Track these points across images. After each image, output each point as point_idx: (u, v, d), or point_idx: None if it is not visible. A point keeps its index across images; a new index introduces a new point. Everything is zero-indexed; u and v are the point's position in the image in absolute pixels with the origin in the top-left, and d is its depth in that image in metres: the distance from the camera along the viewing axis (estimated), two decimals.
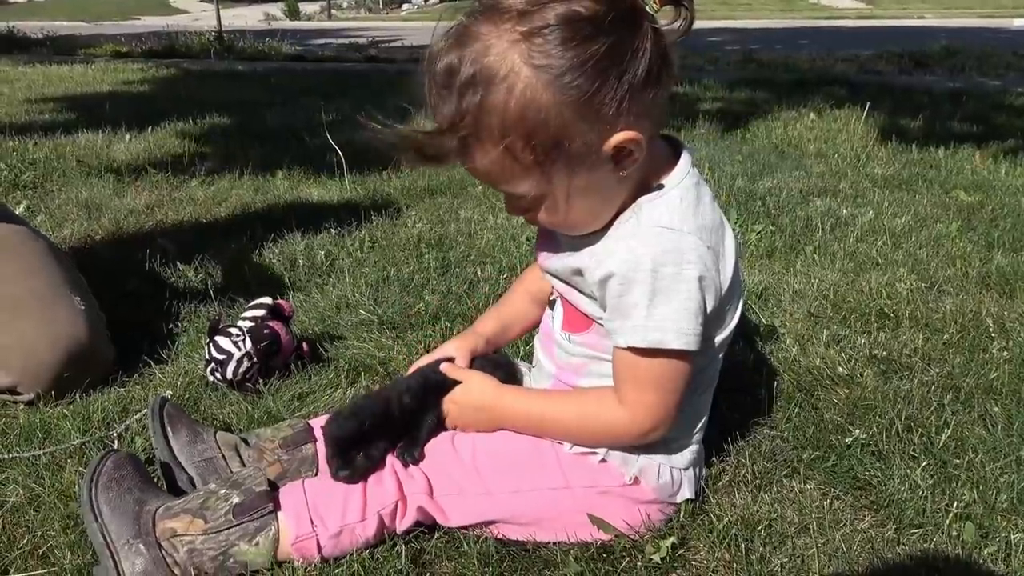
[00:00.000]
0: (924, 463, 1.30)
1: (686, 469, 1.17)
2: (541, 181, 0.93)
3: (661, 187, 1.01)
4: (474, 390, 1.19)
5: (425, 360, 1.30)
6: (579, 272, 1.06)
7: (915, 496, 1.22)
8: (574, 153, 0.91)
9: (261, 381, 1.58)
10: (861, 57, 7.24)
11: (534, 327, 1.36)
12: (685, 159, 1.04)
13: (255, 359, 1.55)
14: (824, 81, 5.62)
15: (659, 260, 0.96)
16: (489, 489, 1.14)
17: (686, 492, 1.17)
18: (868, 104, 4.13)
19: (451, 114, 0.88)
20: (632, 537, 1.14)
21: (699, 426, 1.18)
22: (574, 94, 0.87)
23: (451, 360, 1.26)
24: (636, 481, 1.14)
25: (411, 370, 1.29)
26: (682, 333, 0.99)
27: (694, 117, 4.36)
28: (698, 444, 1.19)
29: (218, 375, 1.55)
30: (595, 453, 1.14)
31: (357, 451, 1.13)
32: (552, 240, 1.13)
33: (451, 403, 1.19)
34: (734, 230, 2.49)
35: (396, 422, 1.17)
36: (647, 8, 0.89)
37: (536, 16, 0.86)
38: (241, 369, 1.54)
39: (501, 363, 1.32)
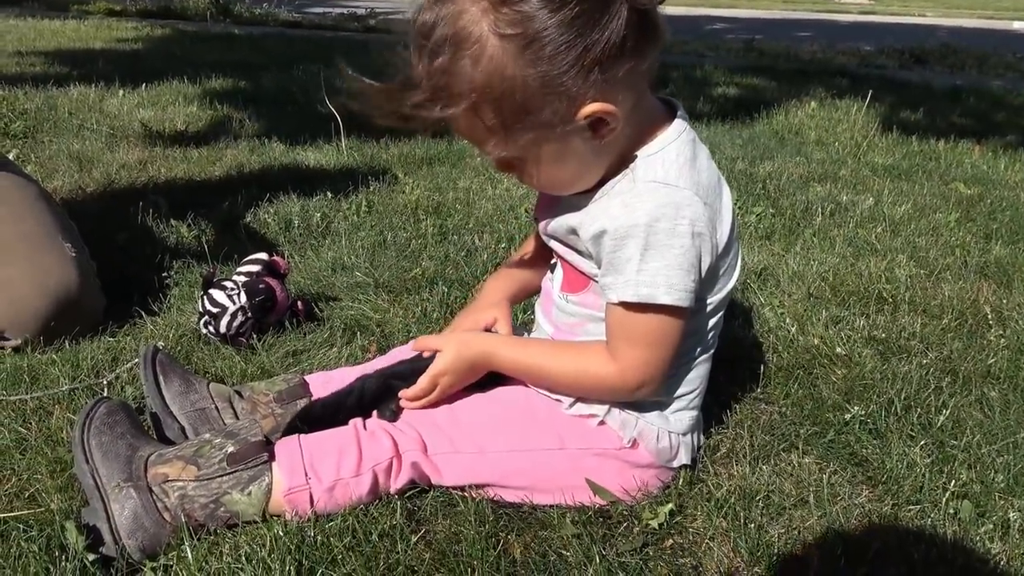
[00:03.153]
0: (922, 442, 1.29)
1: (684, 435, 1.16)
2: (509, 145, 0.93)
3: (656, 145, 1.00)
4: (459, 348, 1.15)
5: (467, 317, 1.28)
6: (574, 231, 1.05)
7: (913, 473, 1.22)
8: (543, 122, 0.90)
9: (254, 337, 1.56)
10: (862, 51, 7.22)
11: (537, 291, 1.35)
12: (680, 117, 1.03)
13: (249, 314, 1.53)
14: (826, 72, 5.60)
15: (654, 215, 0.95)
16: (483, 448, 1.13)
17: (683, 458, 1.17)
18: (870, 93, 4.12)
19: (425, 75, 0.88)
20: (629, 503, 1.13)
21: (697, 391, 1.17)
22: (541, 66, 0.86)
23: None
24: (635, 444, 1.13)
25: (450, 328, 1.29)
26: (674, 288, 0.97)
27: (695, 99, 4.34)
28: (696, 411, 1.18)
29: (211, 328, 1.52)
30: (593, 415, 1.13)
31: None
32: (551, 203, 1.12)
33: (442, 376, 1.14)
34: (735, 211, 2.48)
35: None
36: None
37: None
38: (235, 323, 1.51)
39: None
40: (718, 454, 1.27)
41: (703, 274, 1.00)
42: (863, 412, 1.37)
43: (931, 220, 2.48)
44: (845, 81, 5.19)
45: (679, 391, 1.14)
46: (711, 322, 1.12)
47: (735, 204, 2.44)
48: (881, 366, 1.56)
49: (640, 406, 1.12)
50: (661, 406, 1.13)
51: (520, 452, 1.13)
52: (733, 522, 1.10)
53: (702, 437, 1.25)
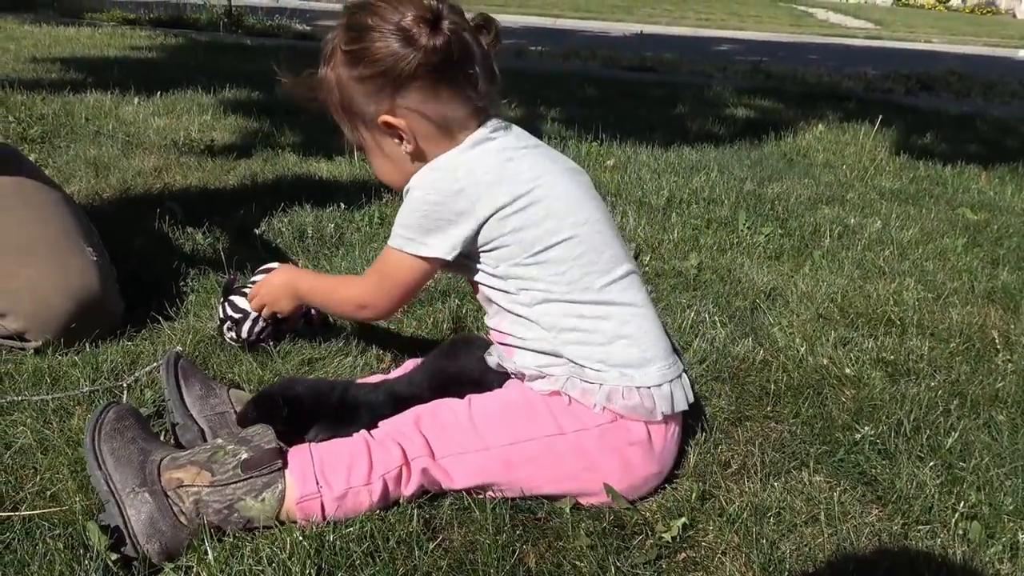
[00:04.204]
0: (931, 463, 1.31)
1: (659, 387, 1.18)
2: (350, 129, 1.24)
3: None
4: (279, 271, 1.51)
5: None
6: None
7: (922, 494, 1.23)
8: (358, 115, 1.20)
9: (271, 343, 1.58)
10: (869, 75, 7.27)
11: None
12: (480, 130, 1.21)
13: (269, 320, 1.54)
14: (833, 95, 5.65)
15: (412, 184, 1.20)
16: (488, 444, 1.16)
17: (662, 407, 1.17)
18: (880, 118, 4.15)
19: (319, 76, 1.23)
20: (643, 512, 1.14)
21: (642, 340, 1.19)
22: (354, 73, 1.16)
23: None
24: (618, 418, 1.16)
25: None
26: (398, 236, 1.21)
27: (705, 119, 4.38)
28: (663, 363, 1.20)
29: (233, 334, 1.54)
30: (555, 392, 1.18)
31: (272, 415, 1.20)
32: None
33: (260, 285, 1.50)
34: (744, 231, 2.48)
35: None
36: (421, 39, 1.12)
37: (360, 15, 1.15)
38: (256, 328, 1.53)
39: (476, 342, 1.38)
40: (729, 470, 1.29)
41: (461, 231, 1.17)
42: (872, 432, 1.39)
43: (938, 245, 2.51)
44: (852, 105, 5.23)
45: (625, 347, 1.18)
46: (570, 269, 1.17)
47: (744, 225, 2.50)
48: (890, 387, 1.57)
49: (599, 373, 1.17)
50: (615, 366, 1.17)
51: (523, 443, 1.16)
52: (745, 538, 1.12)
53: (687, 393, 1.23)
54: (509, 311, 1.21)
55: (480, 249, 1.19)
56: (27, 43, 5.57)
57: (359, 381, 1.35)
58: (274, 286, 1.48)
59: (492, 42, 1.20)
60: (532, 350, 1.21)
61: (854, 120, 4.50)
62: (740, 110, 4.93)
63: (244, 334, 1.52)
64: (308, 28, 8.30)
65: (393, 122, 1.18)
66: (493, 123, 1.22)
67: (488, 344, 1.33)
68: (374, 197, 2.62)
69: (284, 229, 2.30)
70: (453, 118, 1.19)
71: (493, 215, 1.16)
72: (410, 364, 1.40)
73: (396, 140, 1.20)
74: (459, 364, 1.32)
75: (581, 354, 1.18)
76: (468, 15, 1.19)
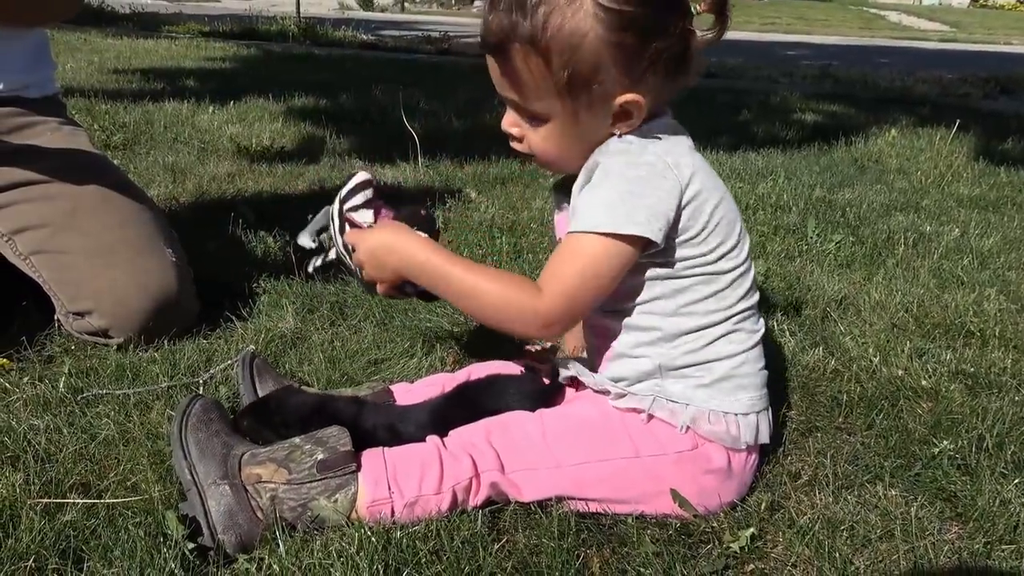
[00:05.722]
0: (1016, 480, 1.25)
1: (745, 415, 1.15)
2: (559, 105, 1.06)
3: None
4: (384, 232, 1.18)
5: None
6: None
7: (1007, 512, 1.18)
8: (589, 82, 1.03)
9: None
10: (943, 79, 7.02)
11: None
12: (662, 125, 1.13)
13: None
14: (906, 100, 5.47)
15: (607, 159, 1.08)
16: (560, 462, 1.15)
17: (746, 437, 1.15)
18: (956, 122, 4.00)
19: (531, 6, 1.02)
20: (706, 512, 1.13)
21: (743, 366, 1.15)
22: (615, 39, 1.01)
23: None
24: (697, 446, 1.13)
25: None
26: (596, 216, 1.04)
27: (772, 124, 4.29)
28: (756, 392, 1.17)
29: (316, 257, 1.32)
30: (639, 410, 1.14)
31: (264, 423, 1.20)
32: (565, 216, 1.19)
33: (364, 247, 1.18)
34: (813, 238, 2.42)
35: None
36: (692, 8, 1.05)
37: None
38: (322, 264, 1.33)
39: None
40: (799, 481, 1.25)
41: (668, 207, 1.05)
42: (952, 447, 1.33)
43: (1021, 254, 2.40)
44: (926, 109, 5.06)
45: (724, 369, 1.14)
46: (725, 288, 1.13)
47: (814, 232, 2.44)
48: (970, 401, 1.51)
49: (686, 391, 1.14)
50: (705, 388, 1.14)
51: (596, 463, 1.14)
52: (817, 551, 1.09)
53: (770, 426, 1.20)
54: (632, 313, 1.15)
55: (673, 236, 1.09)
56: (109, 55, 5.84)
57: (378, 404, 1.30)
58: (377, 256, 1.17)
59: None
60: (632, 356, 1.16)
61: (929, 125, 4.35)
62: (808, 115, 4.82)
63: (314, 266, 1.34)
64: (372, 38, 8.50)
65: (634, 100, 1.05)
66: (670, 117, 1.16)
67: (499, 374, 1.31)
68: (437, 202, 2.65)
69: None
70: (659, 105, 1.12)
71: (694, 197, 1.08)
72: (474, 370, 1.41)
73: (610, 118, 1.08)
74: (458, 401, 1.26)
75: (681, 372, 1.14)
76: None
